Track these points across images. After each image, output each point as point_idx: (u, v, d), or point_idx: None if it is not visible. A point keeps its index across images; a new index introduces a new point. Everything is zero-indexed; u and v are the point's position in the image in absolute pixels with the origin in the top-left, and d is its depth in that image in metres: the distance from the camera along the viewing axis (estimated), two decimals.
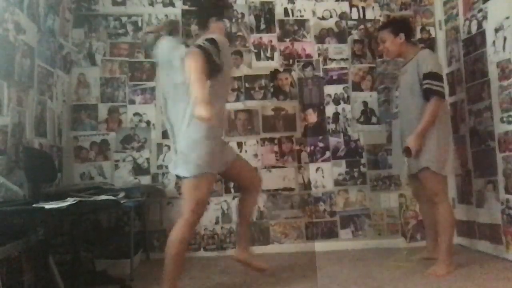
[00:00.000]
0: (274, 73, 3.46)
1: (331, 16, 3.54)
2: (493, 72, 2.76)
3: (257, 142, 3.38)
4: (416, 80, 2.54)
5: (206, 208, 3.13)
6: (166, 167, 3.30)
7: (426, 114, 2.45)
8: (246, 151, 3.36)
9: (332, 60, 3.49)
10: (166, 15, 3.45)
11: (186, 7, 3.47)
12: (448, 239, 2.47)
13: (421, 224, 3.32)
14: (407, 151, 2.49)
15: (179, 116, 2.08)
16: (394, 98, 3.12)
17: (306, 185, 3.36)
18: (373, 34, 3.52)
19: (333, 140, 3.40)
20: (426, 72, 2.48)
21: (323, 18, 3.54)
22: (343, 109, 3.43)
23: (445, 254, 2.45)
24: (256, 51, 3.48)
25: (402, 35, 2.67)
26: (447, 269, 2.41)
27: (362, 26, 3.54)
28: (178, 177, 2.51)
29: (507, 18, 2.62)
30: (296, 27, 3.52)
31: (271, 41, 3.49)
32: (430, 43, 3.52)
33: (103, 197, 2.24)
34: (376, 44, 3.49)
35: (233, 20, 3.50)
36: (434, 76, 2.48)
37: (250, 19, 3.51)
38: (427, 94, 2.47)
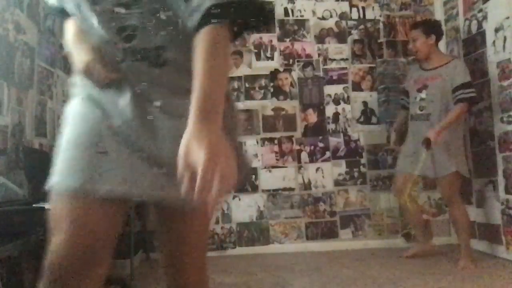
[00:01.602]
0: (274, 73, 3.46)
1: (331, 16, 3.54)
2: (493, 72, 2.76)
3: (257, 142, 3.38)
4: (449, 88, 2.62)
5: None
6: None
7: (452, 114, 2.58)
8: (246, 151, 3.36)
9: (332, 60, 3.49)
10: None
11: None
12: (467, 237, 2.65)
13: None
14: (427, 142, 2.55)
15: None
16: (404, 97, 2.98)
17: (306, 185, 3.36)
18: (373, 34, 3.52)
19: (333, 140, 3.40)
20: (462, 82, 2.58)
21: (323, 18, 3.54)
22: (343, 109, 3.43)
23: (468, 250, 2.62)
24: (256, 51, 3.48)
25: (433, 37, 2.72)
26: (473, 263, 2.56)
27: (362, 26, 3.54)
28: None
29: (507, 18, 2.62)
30: (296, 27, 3.52)
31: (271, 41, 3.49)
32: None
33: None
34: (376, 45, 3.51)
35: None
36: (468, 85, 2.59)
37: None
38: (460, 102, 2.59)
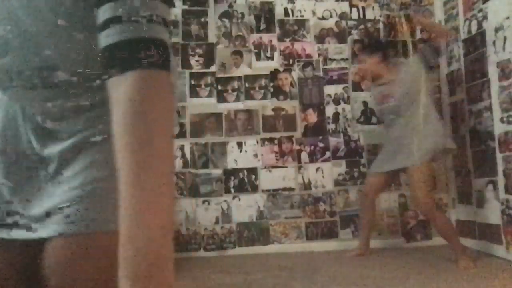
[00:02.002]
0: (274, 73, 3.46)
1: (331, 16, 3.54)
2: (493, 72, 2.76)
3: (257, 142, 3.38)
4: (412, 88, 2.70)
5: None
6: None
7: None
8: (246, 151, 3.36)
9: (332, 60, 3.49)
10: None
11: (186, 7, 3.48)
12: (455, 239, 2.67)
13: (421, 224, 3.33)
14: None
15: None
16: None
17: (306, 185, 3.36)
18: (373, 34, 3.52)
19: (333, 140, 3.40)
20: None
21: (323, 18, 3.54)
22: (343, 109, 3.43)
23: (463, 249, 2.63)
24: (256, 51, 3.48)
25: (378, 55, 2.84)
26: (473, 261, 2.55)
27: (362, 26, 3.54)
28: None
29: (507, 18, 2.62)
30: (296, 27, 3.52)
31: (271, 41, 3.49)
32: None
33: None
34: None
35: (233, 20, 3.50)
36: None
37: (250, 19, 3.51)
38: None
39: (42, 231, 0.67)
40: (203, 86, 3.41)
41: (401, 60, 3.20)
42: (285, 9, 3.54)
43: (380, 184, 2.92)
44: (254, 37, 3.49)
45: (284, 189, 3.35)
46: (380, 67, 2.85)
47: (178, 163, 3.32)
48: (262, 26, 3.51)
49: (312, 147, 3.40)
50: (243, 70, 3.45)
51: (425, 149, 2.59)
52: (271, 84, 3.45)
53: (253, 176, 3.34)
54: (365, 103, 3.44)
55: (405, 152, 2.66)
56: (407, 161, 2.65)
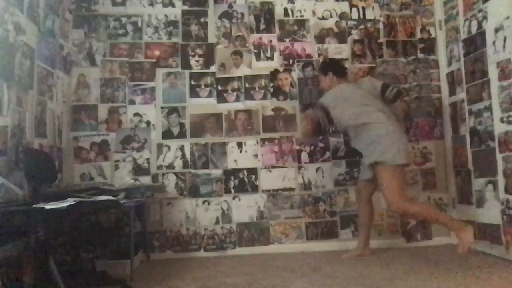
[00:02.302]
0: (274, 73, 3.46)
1: (331, 16, 3.54)
2: (493, 72, 2.76)
3: (257, 142, 3.38)
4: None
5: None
6: (166, 167, 3.30)
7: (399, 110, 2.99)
8: (246, 151, 3.36)
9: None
10: (165, 15, 3.45)
11: (185, 8, 3.48)
12: (439, 216, 2.76)
13: (421, 224, 3.33)
14: None
15: None
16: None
17: (306, 185, 3.36)
18: (373, 34, 3.52)
19: (333, 140, 3.40)
20: (381, 84, 2.99)
21: (323, 18, 3.54)
22: None
23: (453, 221, 2.73)
24: (256, 51, 3.48)
25: (330, 74, 3.05)
26: (469, 231, 2.56)
27: (362, 26, 3.54)
28: None
29: (507, 18, 2.62)
30: (296, 27, 3.52)
31: (271, 41, 3.49)
32: (430, 43, 3.53)
33: (103, 197, 2.24)
34: (376, 45, 3.51)
35: (233, 20, 3.50)
36: (386, 85, 3.00)
37: (250, 19, 3.51)
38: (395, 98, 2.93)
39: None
40: (203, 86, 3.41)
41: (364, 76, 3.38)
42: (285, 9, 3.54)
43: (368, 188, 2.99)
44: (254, 37, 3.49)
45: (284, 189, 3.35)
46: (335, 84, 3.01)
47: (178, 163, 3.32)
48: (262, 26, 3.51)
49: (312, 147, 3.40)
50: (243, 70, 3.45)
51: (393, 150, 2.66)
52: (271, 84, 3.45)
53: (253, 176, 3.34)
54: None
55: (369, 152, 2.76)
56: (370, 158, 2.74)
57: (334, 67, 3.09)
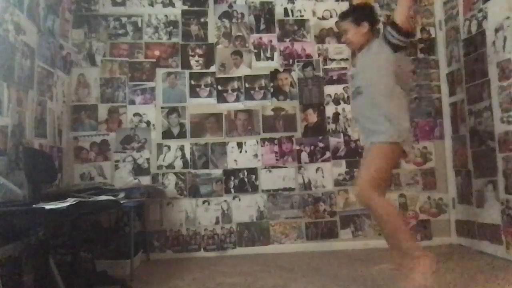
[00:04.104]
0: (274, 73, 3.46)
1: (331, 16, 3.54)
2: (493, 72, 2.76)
3: (257, 142, 3.38)
4: (378, 62, 2.28)
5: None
6: (166, 167, 3.30)
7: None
8: (246, 151, 3.36)
9: (332, 60, 3.49)
10: (165, 15, 3.45)
11: (186, 7, 3.48)
12: (397, 231, 2.11)
13: (421, 224, 3.33)
14: None
15: None
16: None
17: (306, 185, 3.36)
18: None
19: (333, 140, 3.40)
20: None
21: (323, 18, 3.54)
22: (343, 109, 3.43)
23: (414, 247, 2.08)
24: (256, 51, 3.48)
25: (365, 24, 2.34)
26: (431, 260, 2.01)
27: None
28: None
29: (507, 18, 2.62)
30: (296, 27, 3.52)
31: (271, 41, 3.49)
32: (430, 43, 3.53)
33: (103, 197, 2.24)
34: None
35: (233, 20, 3.50)
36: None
37: (250, 19, 3.51)
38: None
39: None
40: (203, 86, 3.41)
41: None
42: (285, 9, 3.54)
43: None
44: (254, 37, 3.49)
45: (284, 189, 3.35)
46: (367, 38, 2.36)
47: (178, 163, 3.32)
48: (262, 26, 3.51)
49: (312, 147, 3.40)
50: (243, 70, 3.45)
51: (392, 129, 2.17)
52: (271, 84, 3.45)
53: (253, 176, 3.34)
54: None
55: (367, 131, 2.33)
56: (368, 139, 2.32)
57: (372, 16, 2.41)
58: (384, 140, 2.17)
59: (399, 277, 2.29)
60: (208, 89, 3.41)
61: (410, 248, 2.05)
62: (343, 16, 2.46)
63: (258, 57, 3.48)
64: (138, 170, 3.28)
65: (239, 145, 3.37)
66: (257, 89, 3.44)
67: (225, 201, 3.31)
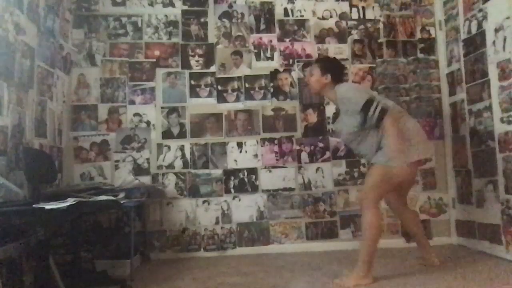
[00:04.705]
0: (274, 73, 3.46)
1: (331, 16, 3.54)
2: (493, 72, 2.76)
3: (257, 142, 3.38)
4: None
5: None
6: (166, 167, 3.30)
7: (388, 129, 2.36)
8: (246, 151, 3.36)
9: None
10: (165, 15, 3.45)
11: (185, 8, 3.48)
12: (367, 247, 2.34)
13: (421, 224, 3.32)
14: None
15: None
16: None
17: (306, 185, 3.36)
18: (373, 34, 3.52)
19: (333, 140, 3.40)
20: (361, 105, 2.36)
21: (323, 18, 3.54)
22: None
23: (365, 265, 2.33)
24: (256, 51, 3.48)
25: (328, 76, 2.50)
26: (364, 280, 2.29)
27: (362, 26, 3.54)
28: None
29: (507, 18, 2.62)
30: (296, 27, 3.52)
31: (271, 41, 3.49)
32: (430, 43, 3.53)
33: (103, 197, 2.24)
34: (376, 45, 3.51)
35: (233, 20, 3.50)
36: (367, 104, 2.37)
37: (250, 19, 3.51)
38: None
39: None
40: (203, 86, 3.41)
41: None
42: (285, 9, 3.54)
43: (393, 194, 2.63)
44: (254, 37, 3.49)
45: (284, 189, 3.35)
46: (326, 88, 2.53)
47: (178, 163, 3.32)
48: (262, 26, 3.51)
49: (312, 147, 3.40)
50: (243, 70, 3.45)
51: (382, 158, 2.35)
52: (271, 84, 3.45)
53: (253, 176, 3.34)
54: None
55: (372, 154, 2.46)
56: (371, 159, 2.45)
57: (338, 71, 2.59)
58: (379, 163, 2.38)
59: (399, 277, 2.28)
60: (208, 89, 3.41)
61: (363, 263, 2.32)
62: (317, 60, 2.83)
63: (258, 57, 3.48)
64: (138, 170, 3.28)
65: (239, 145, 3.37)
66: (257, 89, 3.44)
67: (225, 201, 3.31)
